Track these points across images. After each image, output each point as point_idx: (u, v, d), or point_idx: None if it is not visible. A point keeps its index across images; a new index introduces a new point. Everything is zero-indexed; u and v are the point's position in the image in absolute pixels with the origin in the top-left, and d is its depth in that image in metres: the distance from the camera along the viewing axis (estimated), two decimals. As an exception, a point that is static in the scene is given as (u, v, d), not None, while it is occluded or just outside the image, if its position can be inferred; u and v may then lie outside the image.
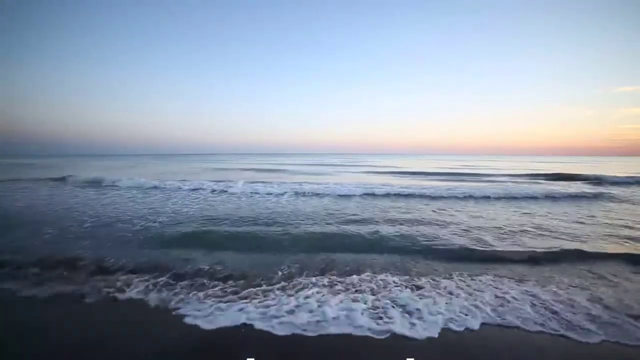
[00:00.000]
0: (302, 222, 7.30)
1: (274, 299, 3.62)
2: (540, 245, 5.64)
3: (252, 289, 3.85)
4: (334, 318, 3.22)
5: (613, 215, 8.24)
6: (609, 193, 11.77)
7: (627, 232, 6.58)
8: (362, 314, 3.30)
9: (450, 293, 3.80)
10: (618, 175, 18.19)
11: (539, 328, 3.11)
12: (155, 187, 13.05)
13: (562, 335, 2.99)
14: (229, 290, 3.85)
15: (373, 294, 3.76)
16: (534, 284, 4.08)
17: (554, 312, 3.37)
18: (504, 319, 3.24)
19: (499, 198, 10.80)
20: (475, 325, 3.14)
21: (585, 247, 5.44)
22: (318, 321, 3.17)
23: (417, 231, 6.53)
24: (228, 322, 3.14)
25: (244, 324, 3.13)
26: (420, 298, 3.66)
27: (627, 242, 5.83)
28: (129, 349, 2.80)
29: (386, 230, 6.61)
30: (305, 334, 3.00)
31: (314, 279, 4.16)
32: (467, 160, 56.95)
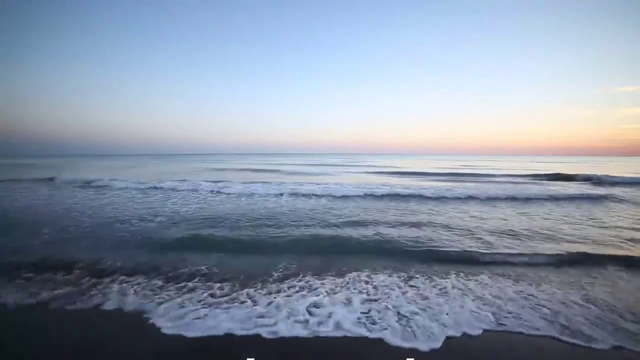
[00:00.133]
0: (299, 223, 7.23)
1: (268, 304, 3.56)
2: (542, 247, 5.59)
3: (247, 290, 3.79)
4: (327, 321, 3.16)
5: (616, 217, 8.18)
6: (611, 194, 11.70)
7: (632, 234, 6.51)
8: (358, 318, 3.25)
9: (449, 295, 3.74)
10: (618, 175, 18.11)
11: (542, 333, 3.05)
12: (154, 188, 12.98)
13: (567, 342, 2.93)
14: (218, 294, 3.78)
15: (371, 296, 3.70)
16: (537, 287, 4.02)
17: (559, 317, 3.30)
18: (506, 324, 3.18)
19: (499, 199, 10.73)
20: (476, 331, 3.07)
21: (589, 249, 5.37)
22: (314, 324, 3.12)
23: (415, 232, 6.47)
24: (214, 330, 3.05)
25: (228, 331, 3.04)
26: (420, 300, 3.60)
27: (631, 245, 5.77)
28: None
29: (385, 231, 6.55)
30: (301, 336, 2.95)
31: (310, 282, 4.10)
32: (467, 160, 56.91)
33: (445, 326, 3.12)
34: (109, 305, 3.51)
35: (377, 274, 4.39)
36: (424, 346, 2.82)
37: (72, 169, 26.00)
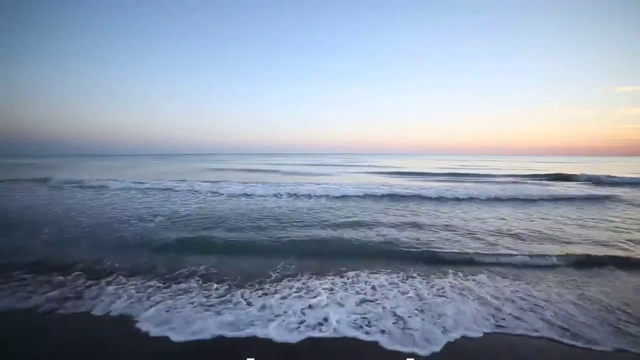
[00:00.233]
0: (297, 224, 7.20)
1: (262, 307, 3.52)
2: (542, 248, 5.55)
3: (242, 292, 3.76)
4: (323, 324, 3.13)
5: (617, 218, 8.14)
6: (612, 194, 11.66)
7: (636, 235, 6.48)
8: (355, 320, 3.21)
9: (448, 297, 3.71)
10: (619, 175, 18.07)
11: (543, 335, 3.02)
12: (153, 188, 12.94)
13: (568, 344, 2.90)
14: (213, 295, 3.75)
15: (369, 298, 3.66)
16: (537, 289, 3.98)
17: (561, 319, 3.27)
18: (507, 327, 3.14)
19: (499, 199, 10.68)
20: (477, 333, 3.04)
21: (590, 250, 5.34)
22: (309, 326, 3.09)
23: (414, 233, 6.44)
24: (201, 334, 2.99)
25: (221, 336, 2.97)
26: (419, 302, 3.57)
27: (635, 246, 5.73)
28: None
29: (383, 232, 6.52)
30: (294, 341, 2.90)
31: (306, 283, 4.06)
32: (467, 160, 56.86)
33: (445, 329, 3.08)
34: (98, 310, 3.42)
35: (375, 275, 4.36)
36: (423, 350, 2.78)
37: (71, 170, 25.99)
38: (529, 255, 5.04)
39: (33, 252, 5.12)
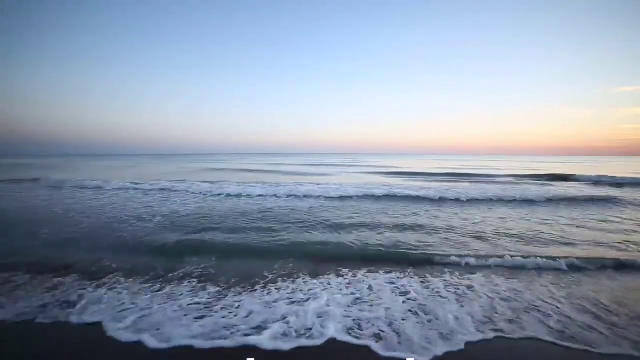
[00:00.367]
0: (295, 225, 7.14)
1: (249, 313, 3.47)
2: (542, 250, 5.50)
3: (233, 295, 3.70)
4: (316, 328, 3.07)
5: (619, 219, 8.09)
6: (613, 195, 11.61)
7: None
8: (349, 325, 3.16)
9: (447, 300, 3.65)
10: (619, 175, 18.01)
11: (543, 338, 2.98)
12: (151, 189, 12.89)
13: (576, 349, 2.86)
14: (201, 299, 3.66)
15: (364, 300, 3.61)
16: (537, 290, 3.93)
17: (568, 323, 3.22)
18: (507, 330, 3.09)
19: (499, 200, 10.62)
20: (476, 337, 2.98)
21: (593, 253, 5.29)
22: (302, 329, 3.03)
23: (412, 234, 6.40)
24: (185, 340, 2.89)
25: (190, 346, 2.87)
26: (415, 306, 3.51)
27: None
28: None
29: (381, 233, 6.47)
30: (285, 348, 2.82)
31: (301, 286, 4.00)
32: (467, 160, 56.78)
33: (441, 333, 3.03)
34: (74, 318, 3.24)
35: (373, 276, 4.31)
36: (421, 357, 2.72)
37: (68, 170, 25.95)
38: (528, 257, 4.98)
39: (20, 253, 5.07)
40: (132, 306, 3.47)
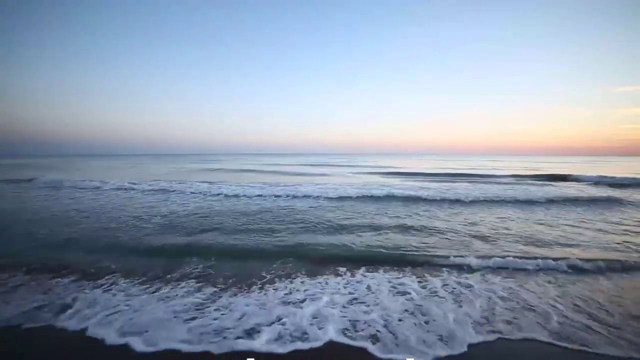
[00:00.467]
0: (292, 225, 7.10)
1: (241, 316, 3.42)
2: (540, 252, 5.45)
3: (225, 298, 3.66)
4: (316, 332, 3.03)
5: (620, 220, 8.04)
6: (614, 195, 11.56)
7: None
8: (345, 327, 3.12)
9: (445, 302, 3.61)
10: (620, 176, 17.95)
11: (543, 339, 2.95)
12: (151, 190, 12.85)
13: (576, 349, 2.82)
14: (193, 301, 3.61)
15: (361, 302, 3.57)
16: (537, 292, 3.89)
17: (570, 324, 3.18)
18: (505, 332, 3.04)
19: (498, 201, 10.56)
20: (475, 339, 2.94)
21: (594, 255, 5.23)
22: (297, 332, 2.99)
23: (410, 235, 6.36)
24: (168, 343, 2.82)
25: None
26: (413, 308, 3.47)
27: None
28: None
29: (379, 234, 6.43)
30: (279, 352, 2.78)
31: (296, 287, 3.96)
32: (468, 160, 56.68)
33: (441, 335, 2.98)
34: (64, 322, 3.15)
35: (372, 276, 4.27)
36: (420, 358, 2.68)
37: (69, 170, 25.90)
38: (528, 258, 4.93)
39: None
40: (126, 308, 3.43)
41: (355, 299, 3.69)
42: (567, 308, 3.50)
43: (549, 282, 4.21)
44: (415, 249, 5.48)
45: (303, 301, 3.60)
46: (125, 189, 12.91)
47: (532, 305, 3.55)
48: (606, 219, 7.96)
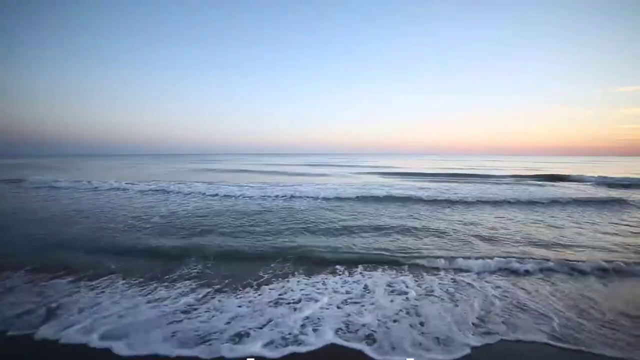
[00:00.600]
0: (289, 226, 7.06)
1: (230, 318, 3.38)
2: (546, 253, 5.42)
3: (216, 300, 3.62)
4: (311, 335, 2.99)
5: (622, 220, 8.00)
6: (614, 196, 11.52)
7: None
8: (339, 328, 3.08)
9: (442, 303, 3.57)
10: (620, 176, 17.90)
11: (543, 340, 2.90)
12: (152, 190, 12.81)
13: (577, 350, 2.79)
14: (184, 303, 3.53)
15: (357, 303, 3.53)
16: (536, 294, 3.85)
17: (570, 325, 3.13)
18: (503, 334, 3.01)
19: (497, 201, 10.52)
20: (475, 341, 2.90)
21: (594, 256, 5.19)
22: (296, 339, 2.94)
23: (408, 236, 6.32)
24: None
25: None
26: (411, 309, 3.43)
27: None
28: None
29: (377, 235, 6.39)
30: (272, 356, 2.71)
31: (292, 288, 3.91)
32: (468, 160, 56.63)
33: (439, 337, 2.94)
34: (46, 329, 2.99)
35: (370, 275, 4.23)
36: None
37: (69, 170, 25.88)
38: (529, 259, 4.89)
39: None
40: (114, 310, 3.33)
41: (352, 299, 3.64)
42: (568, 309, 3.46)
43: (549, 283, 4.16)
44: (414, 249, 5.44)
45: (299, 302, 3.56)
46: (123, 189, 12.88)
47: (532, 306, 3.50)
48: (606, 219, 7.92)
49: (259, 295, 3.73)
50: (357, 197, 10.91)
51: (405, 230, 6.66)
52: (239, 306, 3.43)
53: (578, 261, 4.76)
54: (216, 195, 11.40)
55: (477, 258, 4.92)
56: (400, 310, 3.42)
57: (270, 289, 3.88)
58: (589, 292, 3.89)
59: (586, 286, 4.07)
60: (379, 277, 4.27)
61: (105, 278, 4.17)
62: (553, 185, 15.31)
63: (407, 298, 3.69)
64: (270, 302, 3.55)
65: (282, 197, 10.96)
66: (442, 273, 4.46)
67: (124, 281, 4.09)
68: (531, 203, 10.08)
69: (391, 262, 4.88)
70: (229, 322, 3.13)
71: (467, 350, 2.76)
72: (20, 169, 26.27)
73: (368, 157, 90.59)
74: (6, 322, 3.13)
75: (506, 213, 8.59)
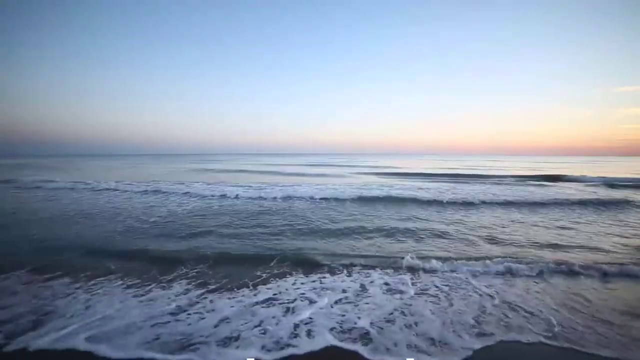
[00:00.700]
0: (288, 227, 7.05)
1: (222, 319, 3.36)
2: (549, 254, 5.39)
3: (209, 302, 3.60)
4: (301, 334, 2.97)
5: (621, 221, 7.97)
6: (615, 196, 11.50)
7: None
8: (338, 330, 3.05)
9: (440, 304, 3.55)
10: (620, 176, 17.86)
11: (543, 341, 2.88)
12: (152, 191, 12.82)
13: (577, 350, 2.76)
14: (175, 304, 3.52)
15: (353, 304, 3.51)
16: (537, 295, 3.83)
17: (571, 326, 3.11)
18: (502, 335, 2.99)
19: (497, 202, 10.49)
20: (475, 344, 2.88)
21: (595, 256, 5.17)
22: (287, 336, 2.93)
23: (406, 237, 6.30)
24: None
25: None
26: (407, 311, 3.41)
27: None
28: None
29: (375, 236, 6.37)
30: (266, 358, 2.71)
31: (288, 289, 3.89)
32: (468, 160, 56.58)
33: (435, 339, 2.92)
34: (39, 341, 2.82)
35: (367, 273, 4.22)
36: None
37: (69, 170, 25.89)
38: (529, 259, 4.87)
39: None
40: (103, 312, 3.27)
41: (349, 299, 3.62)
42: (567, 310, 3.43)
43: (549, 284, 4.13)
44: (414, 249, 5.42)
45: (293, 301, 3.53)
46: (123, 190, 12.87)
47: (531, 307, 3.47)
48: (606, 220, 7.89)
49: (255, 295, 3.70)
50: (357, 197, 10.88)
51: (404, 231, 6.64)
52: (235, 309, 3.38)
53: (577, 262, 4.72)
54: (216, 195, 11.38)
55: (476, 259, 4.90)
56: (396, 309, 3.40)
57: (267, 289, 3.85)
58: (588, 293, 3.86)
59: (585, 287, 4.03)
60: (377, 278, 4.25)
61: (102, 278, 4.15)
62: (553, 186, 15.28)
63: (404, 298, 3.67)
64: (266, 303, 3.52)
65: (281, 197, 10.94)
66: (441, 273, 4.43)
67: (121, 282, 4.06)
68: (531, 203, 10.04)
69: (390, 261, 4.84)
70: (217, 325, 3.08)
71: (467, 352, 2.73)
72: (20, 168, 26.29)
73: (368, 157, 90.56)
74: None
75: (506, 213, 8.57)
